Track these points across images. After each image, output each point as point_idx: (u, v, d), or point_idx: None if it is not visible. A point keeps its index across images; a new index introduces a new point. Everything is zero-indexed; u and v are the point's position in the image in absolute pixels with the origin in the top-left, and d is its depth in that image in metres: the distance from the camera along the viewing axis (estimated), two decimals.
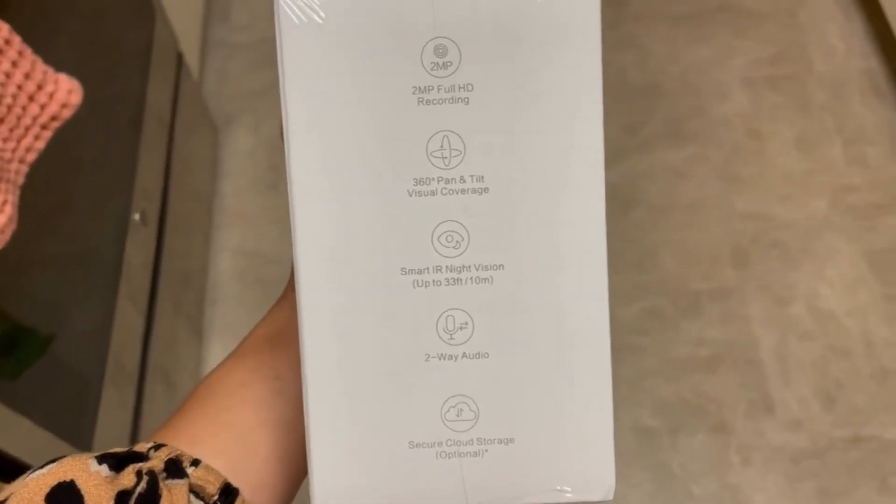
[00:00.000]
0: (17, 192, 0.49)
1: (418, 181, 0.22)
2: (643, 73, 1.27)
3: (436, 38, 0.22)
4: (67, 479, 0.23)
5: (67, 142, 0.73)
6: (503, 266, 0.22)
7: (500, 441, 0.23)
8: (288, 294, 0.29)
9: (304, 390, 0.23)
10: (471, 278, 0.22)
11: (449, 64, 0.22)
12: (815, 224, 1.12)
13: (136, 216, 0.85)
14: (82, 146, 0.76)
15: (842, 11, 1.30)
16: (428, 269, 0.22)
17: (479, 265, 0.22)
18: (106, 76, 0.82)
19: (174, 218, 0.98)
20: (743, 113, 1.22)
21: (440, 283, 0.22)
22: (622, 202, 1.15)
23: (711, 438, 0.99)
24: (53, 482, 0.23)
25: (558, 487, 0.22)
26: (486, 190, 0.22)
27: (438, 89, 0.22)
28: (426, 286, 0.22)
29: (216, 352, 1.08)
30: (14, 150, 0.46)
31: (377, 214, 0.22)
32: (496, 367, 0.22)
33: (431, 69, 0.22)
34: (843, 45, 1.27)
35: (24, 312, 0.65)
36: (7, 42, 0.44)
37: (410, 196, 0.22)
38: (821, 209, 1.13)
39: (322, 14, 0.23)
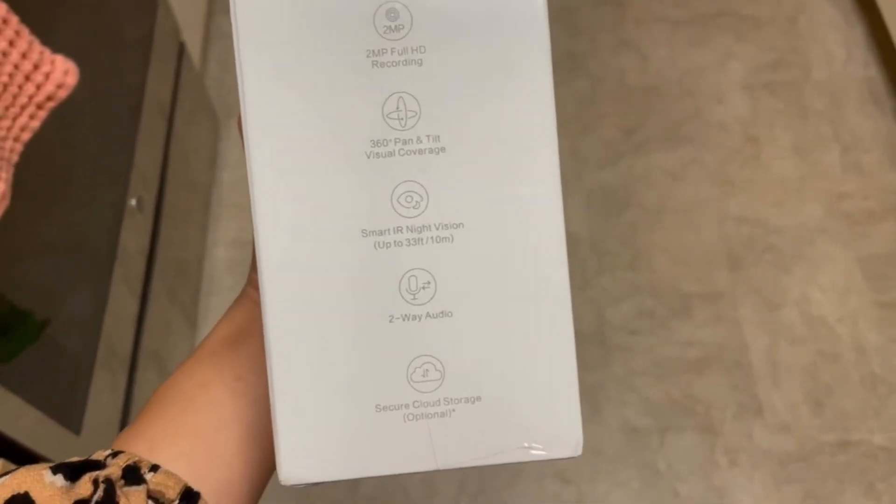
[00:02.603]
0: (11, 170, 0.49)
1: (375, 143, 0.23)
2: (642, 76, 1.28)
3: (387, 1, 0.23)
4: (21, 492, 0.22)
5: (66, 128, 0.73)
6: (463, 224, 0.23)
7: (467, 400, 0.23)
8: (247, 291, 0.28)
9: (267, 360, 0.23)
10: (431, 237, 0.22)
11: (401, 27, 0.23)
12: (809, 229, 1.12)
13: (133, 202, 0.86)
14: (81, 132, 0.77)
15: (843, 19, 1.31)
16: (388, 230, 0.23)
17: (440, 224, 0.23)
18: (106, 64, 0.83)
19: (171, 207, 0.99)
20: (740, 118, 1.23)
21: (401, 244, 0.23)
22: (617, 203, 1.16)
23: (699, 439, 0.99)
24: (7, 495, 0.22)
25: (526, 445, 0.23)
26: (442, 149, 0.23)
27: (392, 52, 0.23)
28: (387, 247, 0.23)
29: None
30: (9, 129, 0.47)
31: (335, 176, 0.23)
32: (460, 326, 0.23)
33: (384, 32, 0.23)
34: (843, 52, 1.28)
35: (19, 296, 0.65)
36: (4, 21, 0.45)
37: (368, 158, 0.23)
38: (815, 215, 1.14)
39: None
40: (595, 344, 1.05)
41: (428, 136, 0.23)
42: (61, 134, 0.72)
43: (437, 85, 0.23)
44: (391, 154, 0.23)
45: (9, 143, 0.47)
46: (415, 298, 0.23)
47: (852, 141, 1.19)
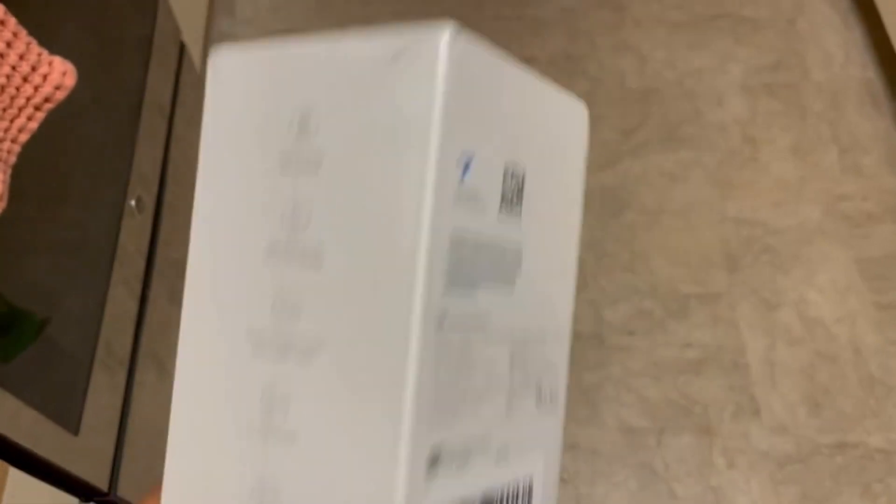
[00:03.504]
0: (9, 171, 0.50)
1: (272, 243, 0.23)
2: (641, 78, 1.28)
3: (301, 106, 0.23)
4: None
5: (66, 128, 0.74)
6: (324, 342, 0.22)
7: None
8: None
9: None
10: (296, 351, 0.23)
11: (307, 131, 0.23)
12: (808, 231, 1.13)
13: (132, 202, 0.86)
14: (81, 133, 0.77)
15: (842, 21, 1.31)
16: (265, 332, 0.23)
17: (303, 338, 0.23)
18: (107, 64, 0.83)
19: (171, 207, 0.99)
20: (739, 119, 1.23)
21: (272, 348, 0.23)
22: (615, 204, 1.16)
23: (696, 440, 0.99)
24: None
25: None
26: (320, 266, 0.23)
27: (297, 156, 0.23)
28: (263, 348, 0.23)
29: None
30: (6, 130, 0.47)
31: (232, 275, 0.24)
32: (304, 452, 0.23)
33: (295, 138, 0.23)
34: (842, 54, 1.28)
35: (18, 297, 0.66)
36: (2, 23, 0.45)
37: (264, 255, 0.23)
38: (813, 216, 1.14)
39: (222, 71, 0.25)
40: (593, 345, 1.06)
41: (308, 249, 0.23)
42: (61, 134, 0.73)
43: (326, 194, 0.23)
44: (285, 253, 0.23)
45: (6, 145, 0.48)
46: (270, 416, 0.23)
47: (851, 142, 1.20)
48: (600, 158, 1.20)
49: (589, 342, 1.06)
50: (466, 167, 0.22)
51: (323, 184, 0.23)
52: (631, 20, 1.34)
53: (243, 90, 0.24)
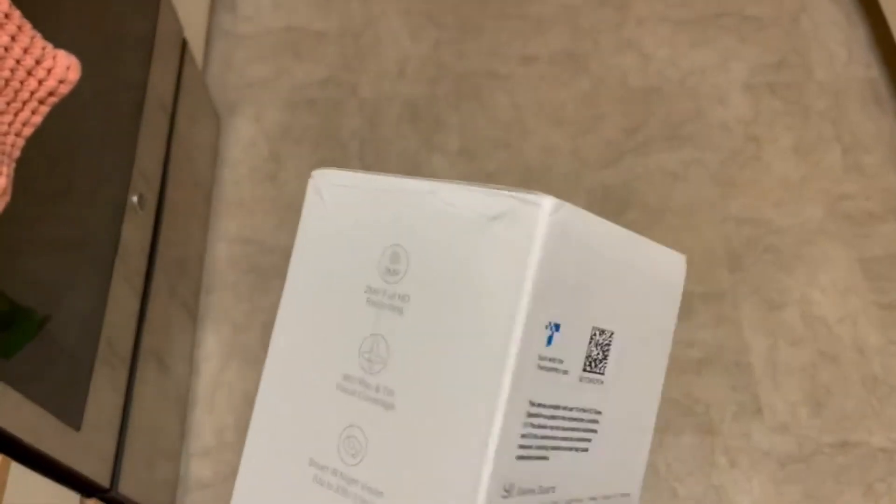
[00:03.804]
0: (13, 166, 0.49)
1: (346, 377, 0.23)
2: (644, 76, 1.28)
3: (392, 245, 0.23)
4: None
5: (68, 125, 0.73)
6: (383, 494, 0.22)
7: None
8: None
9: None
10: (356, 495, 0.22)
11: (397, 272, 0.23)
12: (810, 230, 1.12)
13: (134, 199, 0.86)
14: (83, 129, 0.77)
15: (845, 19, 1.31)
16: (328, 468, 0.23)
17: (365, 485, 0.22)
18: (109, 61, 0.83)
19: (172, 204, 0.99)
20: (742, 118, 1.23)
21: (332, 487, 0.23)
22: (617, 203, 1.16)
23: (698, 439, 0.99)
24: None
25: None
26: (392, 406, 0.22)
27: (384, 293, 0.23)
28: (321, 484, 0.23)
29: (210, 339, 1.09)
30: (10, 124, 0.47)
31: (306, 402, 0.24)
32: None
33: (384, 274, 0.23)
34: (846, 53, 1.28)
35: (20, 293, 0.66)
36: (7, 16, 0.45)
37: (336, 389, 0.23)
38: (816, 215, 1.14)
39: (325, 196, 0.25)
40: None
41: (385, 387, 0.22)
42: (63, 130, 0.73)
43: (408, 336, 0.22)
44: (353, 393, 0.23)
45: (10, 139, 0.48)
46: None
47: (854, 141, 1.19)
48: (602, 157, 1.20)
49: None
50: (551, 337, 0.22)
51: (406, 326, 0.23)
52: (634, 18, 1.34)
53: (340, 217, 0.25)
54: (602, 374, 0.24)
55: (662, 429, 1.00)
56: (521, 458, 0.21)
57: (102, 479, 0.76)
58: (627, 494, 0.26)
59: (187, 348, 1.04)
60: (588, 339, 0.23)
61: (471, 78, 1.29)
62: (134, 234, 0.87)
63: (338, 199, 0.25)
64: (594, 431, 0.24)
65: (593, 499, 0.25)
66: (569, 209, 0.22)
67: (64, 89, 0.48)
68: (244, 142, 1.25)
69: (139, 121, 0.89)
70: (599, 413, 0.24)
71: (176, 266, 1.00)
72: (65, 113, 0.72)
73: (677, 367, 1.04)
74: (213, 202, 1.20)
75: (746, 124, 1.22)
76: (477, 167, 1.20)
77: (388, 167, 1.21)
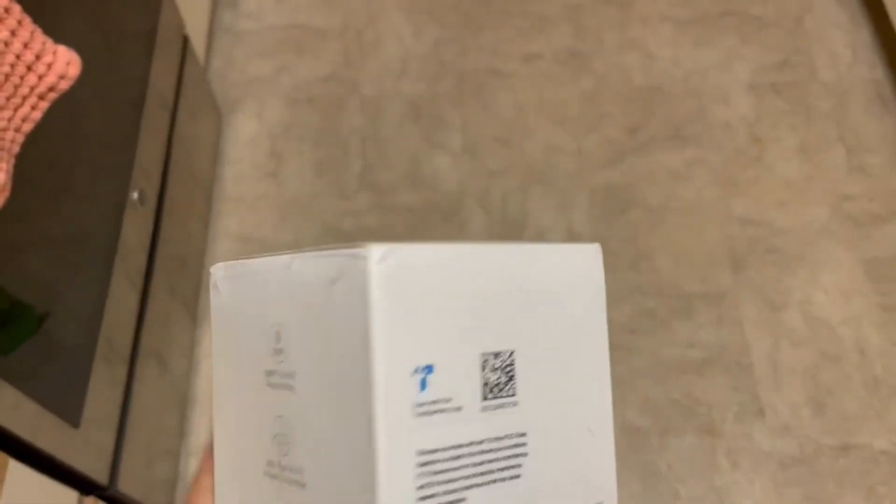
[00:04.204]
0: (13, 161, 0.49)
1: (268, 463, 0.24)
2: (647, 76, 1.27)
3: (274, 324, 0.24)
4: None
5: (68, 120, 0.73)
6: None
7: None
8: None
9: None
10: None
11: (281, 350, 0.23)
12: (813, 231, 1.12)
13: (134, 195, 0.85)
14: (83, 125, 0.77)
15: (850, 20, 1.30)
16: None
17: None
18: (110, 57, 0.83)
19: (173, 200, 0.99)
20: (745, 118, 1.22)
21: None
22: (620, 203, 1.16)
23: (700, 440, 0.99)
24: None
25: None
26: (303, 485, 0.23)
27: (277, 374, 0.24)
28: None
29: (209, 337, 1.09)
30: (10, 119, 0.47)
31: (245, 490, 0.25)
32: None
33: (272, 355, 0.24)
34: (850, 53, 1.27)
35: (19, 289, 0.65)
36: (7, 11, 0.44)
37: (264, 476, 0.24)
38: (819, 216, 1.13)
39: (220, 289, 0.26)
40: None
41: (293, 467, 0.23)
42: (64, 126, 0.72)
43: (302, 413, 0.23)
44: (275, 477, 0.24)
45: (10, 134, 0.47)
46: None
47: (857, 142, 1.19)
48: (605, 156, 1.19)
49: None
50: (424, 381, 0.22)
51: (299, 403, 0.23)
52: (637, 17, 1.33)
53: (234, 306, 0.26)
54: (512, 395, 0.23)
55: (664, 430, 1.00)
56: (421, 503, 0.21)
57: (101, 477, 0.76)
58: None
59: (186, 346, 1.04)
60: (479, 368, 0.23)
61: (473, 76, 1.28)
62: (134, 230, 0.86)
63: (230, 290, 0.26)
64: (523, 455, 0.24)
65: None
66: (402, 251, 0.21)
67: (64, 85, 0.48)
68: (245, 139, 1.25)
69: (140, 117, 0.89)
70: (523, 435, 0.24)
71: (176, 263, 1.00)
72: (65, 109, 0.71)
73: (679, 367, 1.03)
74: (213, 199, 1.19)
75: (750, 124, 1.22)
76: (479, 166, 1.19)
77: (389, 165, 1.21)
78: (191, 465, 1.00)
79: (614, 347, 1.05)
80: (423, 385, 0.21)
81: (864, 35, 1.29)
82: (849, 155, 1.18)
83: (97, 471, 0.75)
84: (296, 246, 1.14)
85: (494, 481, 0.23)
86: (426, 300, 0.22)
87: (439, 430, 0.22)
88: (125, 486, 0.80)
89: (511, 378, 0.23)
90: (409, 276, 0.21)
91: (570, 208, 1.15)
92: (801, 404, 1.00)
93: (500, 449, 0.23)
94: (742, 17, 1.32)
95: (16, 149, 0.48)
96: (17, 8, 0.45)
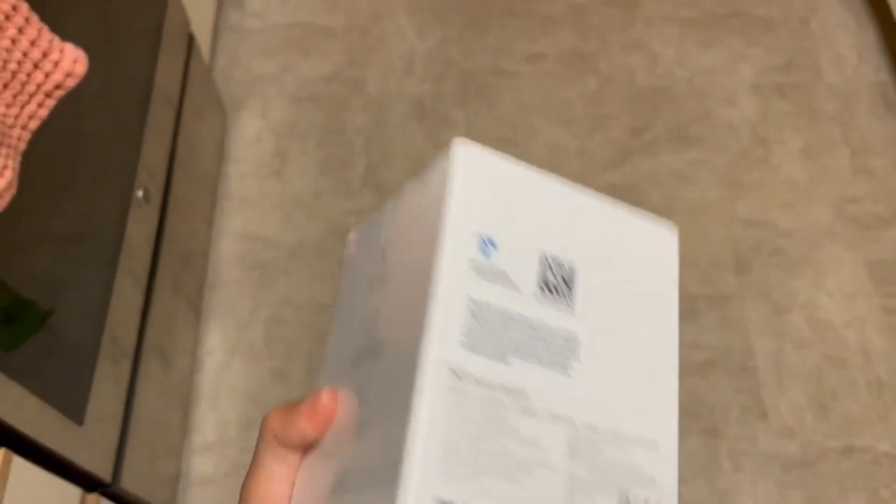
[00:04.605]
0: (19, 158, 0.49)
1: (356, 353, 0.27)
2: (651, 76, 1.27)
3: (382, 244, 0.28)
4: None
5: (74, 118, 0.73)
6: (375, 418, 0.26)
7: None
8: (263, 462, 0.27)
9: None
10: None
11: (383, 259, 0.27)
12: (818, 233, 1.12)
13: (139, 193, 0.85)
14: (89, 123, 0.77)
15: (855, 22, 1.30)
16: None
17: (364, 418, 0.26)
18: (116, 55, 0.83)
19: (177, 198, 0.99)
20: (750, 119, 1.22)
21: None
22: (624, 203, 1.15)
23: (703, 442, 0.99)
24: None
25: None
26: (377, 353, 0.27)
27: (376, 278, 0.28)
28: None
29: (213, 334, 1.09)
30: (17, 117, 0.47)
31: (339, 371, 0.29)
32: None
33: (376, 265, 0.28)
34: (855, 55, 1.27)
35: (24, 285, 0.65)
36: (14, 9, 0.44)
37: (350, 366, 0.27)
38: (824, 218, 1.13)
39: (350, 246, 0.30)
40: None
41: (374, 345, 0.27)
42: (69, 124, 0.72)
43: (388, 298, 0.27)
44: (358, 361, 0.27)
45: (16, 131, 0.47)
46: None
47: (862, 144, 1.19)
48: (609, 157, 1.19)
49: None
50: (484, 248, 0.24)
51: (387, 290, 0.26)
52: (642, 18, 1.33)
53: (355, 255, 0.30)
54: (570, 304, 0.25)
55: None
56: (468, 347, 0.23)
57: (104, 474, 0.76)
58: (654, 443, 0.25)
59: (190, 343, 1.04)
60: (539, 264, 0.25)
61: (477, 76, 1.28)
62: (139, 228, 0.86)
63: (356, 243, 0.30)
64: (574, 357, 0.25)
65: (592, 428, 0.24)
66: (488, 152, 0.25)
67: (71, 82, 0.48)
68: (250, 137, 1.25)
69: (145, 115, 0.89)
70: (577, 340, 0.25)
71: (180, 261, 1.00)
72: (71, 106, 0.71)
73: (682, 369, 1.03)
74: (217, 197, 1.19)
75: (754, 126, 1.21)
76: None
77: (393, 164, 1.21)
78: (194, 462, 1.00)
79: None
80: (486, 253, 0.24)
81: (869, 37, 1.29)
82: (853, 157, 1.18)
83: (100, 468, 0.75)
84: (299, 245, 1.14)
85: (542, 363, 0.24)
86: (501, 193, 0.25)
87: (495, 293, 0.24)
88: (128, 483, 0.81)
89: (570, 287, 0.25)
90: (490, 170, 0.25)
91: None
92: (805, 406, 1.00)
93: (552, 338, 0.25)
94: (747, 18, 1.32)
95: (22, 146, 0.48)
96: (24, 6, 0.45)
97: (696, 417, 1.00)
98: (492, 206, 0.25)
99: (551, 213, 0.26)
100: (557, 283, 0.25)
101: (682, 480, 0.97)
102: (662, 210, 1.15)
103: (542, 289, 0.25)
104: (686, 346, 1.05)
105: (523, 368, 0.24)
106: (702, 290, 1.08)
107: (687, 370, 1.03)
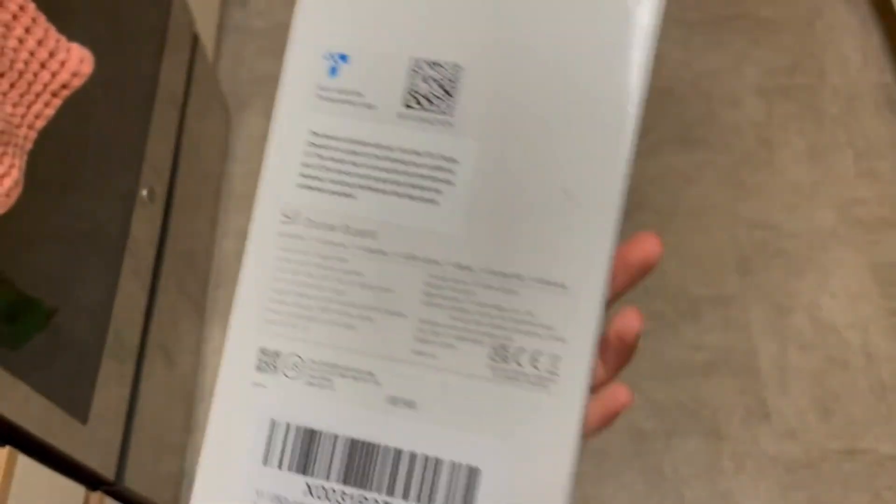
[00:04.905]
0: (25, 158, 0.49)
1: None
2: (656, 78, 1.27)
3: None
4: None
5: (79, 117, 0.73)
6: None
7: None
8: None
9: None
10: None
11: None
12: (821, 235, 1.12)
13: (144, 193, 0.86)
14: (93, 122, 0.77)
15: (860, 24, 1.30)
16: None
17: None
18: (120, 54, 0.83)
19: (182, 198, 0.99)
20: (754, 121, 1.22)
21: None
22: (628, 205, 1.15)
23: (705, 443, 0.99)
24: None
25: None
26: None
27: None
28: None
29: (217, 334, 1.09)
30: (23, 116, 0.47)
31: None
32: None
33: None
34: (860, 57, 1.27)
35: (28, 284, 0.66)
36: (21, 8, 0.45)
37: None
38: (828, 220, 1.13)
39: None
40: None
41: None
42: (74, 123, 0.73)
43: None
44: None
45: (23, 131, 0.47)
46: None
47: (867, 147, 1.19)
48: None
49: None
50: (334, 66, 0.21)
51: None
52: None
53: None
54: (446, 114, 0.21)
55: (669, 432, 1.00)
56: (304, 186, 0.21)
57: (108, 472, 0.76)
58: (560, 287, 0.21)
59: (194, 342, 1.04)
60: (406, 72, 0.21)
61: None
62: (143, 227, 0.87)
63: None
64: (448, 185, 0.21)
65: (464, 268, 0.21)
66: None
67: (77, 82, 0.48)
68: (254, 137, 1.25)
69: (149, 114, 0.89)
70: (452, 161, 0.21)
71: (184, 260, 1.00)
72: (76, 105, 0.71)
73: (685, 370, 1.03)
74: (222, 196, 1.20)
75: (759, 127, 1.21)
76: None
77: None
78: (197, 461, 1.00)
79: None
80: (334, 72, 0.22)
81: (874, 39, 1.28)
82: (858, 159, 1.18)
83: (104, 466, 0.76)
84: None
85: (398, 194, 0.21)
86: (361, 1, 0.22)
87: (342, 120, 0.21)
88: (132, 481, 0.81)
89: (449, 95, 0.21)
90: None
91: None
92: (808, 408, 1.00)
93: (415, 164, 0.21)
94: (752, 20, 1.32)
95: (28, 145, 0.49)
96: (31, 6, 0.45)
97: (698, 419, 1.00)
98: (346, 16, 0.21)
99: (429, 7, 0.21)
100: (431, 90, 0.21)
101: (685, 482, 0.97)
102: (666, 211, 1.15)
103: (407, 104, 0.21)
104: (688, 347, 1.05)
105: (373, 204, 0.21)
106: (705, 291, 1.08)
107: (690, 371, 1.03)
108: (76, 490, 0.71)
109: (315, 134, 0.21)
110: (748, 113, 1.23)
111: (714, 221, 1.13)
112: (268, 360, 0.21)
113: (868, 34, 1.29)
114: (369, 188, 0.21)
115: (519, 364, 0.21)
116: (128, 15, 0.85)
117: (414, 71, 0.21)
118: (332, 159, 0.21)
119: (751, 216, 1.14)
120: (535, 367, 0.21)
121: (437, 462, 0.20)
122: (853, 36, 1.29)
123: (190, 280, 1.03)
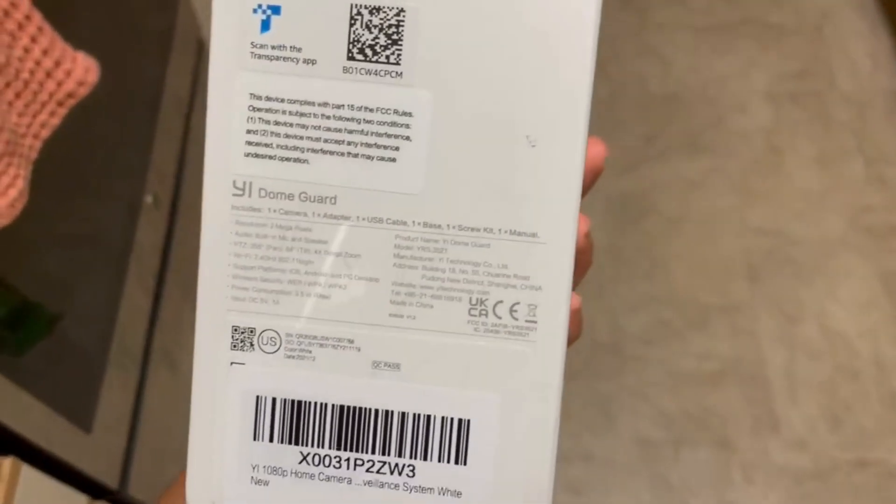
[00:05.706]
0: (30, 168, 0.49)
1: None
2: (663, 83, 1.26)
3: None
4: None
5: (84, 122, 0.73)
6: None
7: None
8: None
9: None
10: None
11: None
12: (831, 242, 1.11)
13: (149, 198, 0.85)
14: (99, 127, 0.77)
15: (869, 29, 1.29)
16: None
17: None
18: (126, 59, 0.83)
19: (187, 204, 0.99)
20: (763, 127, 1.21)
21: None
22: (635, 211, 1.15)
23: (714, 453, 0.98)
24: None
25: None
26: None
27: None
28: None
29: None
30: (29, 126, 0.46)
31: None
32: None
33: None
34: (869, 63, 1.26)
35: (32, 290, 0.65)
36: (27, 18, 0.44)
37: None
38: (837, 228, 1.12)
39: None
40: (609, 353, 1.04)
41: None
42: (79, 128, 0.72)
43: None
44: None
45: (28, 140, 0.47)
46: None
47: (876, 153, 1.18)
48: (621, 164, 1.19)
49: (605, 351, 1.04)
50: (267, 21, 0.20)
51: None
52: (654, 24, 1.32)
53: None
54: (395, 63, 0.20)
55: (677, 442, 0.99)
56: (252, 155, 0.21)
57: (111, 481, 0.76)
58: (533, 236, 0.21)
59: None
60: (346, 20, 0.20)
61: None
62: (148, 233, 0.86)
63: None
64: (403, 138, 0.20)
65: (433, 226, 0.20)
66: None
67: (83, 91, 0.48)
68: None
69: (155, 120, 0.89)
70: (407, 115, 0.20)
71: (189, 266, 1.00)
72: (81, 111, 0.71)
73: (693, 379, 1.02)
74: None
75: (767, 133, 1.20)
76: None
77: None
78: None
79: (627, 358, 1.04)
80: (266, 26, 0.20)
81: (884, 44, 1.27)
82: (867, 166, 1.17)
83: (108, 475, 0.75)
84: None
85: (353, 155, 0.20)
86: None
87: (283, 79, 0.20)
88: (136, 489, 0.80)
89: (395, 43, 0.20)
90: None
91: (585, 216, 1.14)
92: (817, 418, 0.99)
93: (367, 121, 0.20)
94: (760, 25, 1.31)
95: (34, 155, 0.48)
96: (37, 15, 0.45)
97: (706, 428, 0.99)
98: None
99: None
100: (375, 40, 0.20)
101: (693, 492, 0.96)
102: (674, 218, 1.14)
103: (351, 55, 0.20)
104: (697, 356, 1.04)
105: (328, 167, 0.20)
106: (713, 300, 1.07)
107: (698, 380, 1.02)
108: (80, 499, 0.71)
109: (255, 97, 0.20)
110: (756, 119, 1.22)
111: (722, 228, 1.13)
112: (243, 339, 0.21)
113: (878, 39, 1.28)
114: (322, 151, 0.20)
115: (498, 316, 0.21)
116: (134, 21, 0.85)
117: (354, 18, 0.20)
118: (278, 122, 0.20)
119: (759, 223, 1.13)
120: (514, 318, 0.21)
121: (429, 418, 0.21)
122: (863, 41, 1.28)
123: (195, 287, 1.02)
